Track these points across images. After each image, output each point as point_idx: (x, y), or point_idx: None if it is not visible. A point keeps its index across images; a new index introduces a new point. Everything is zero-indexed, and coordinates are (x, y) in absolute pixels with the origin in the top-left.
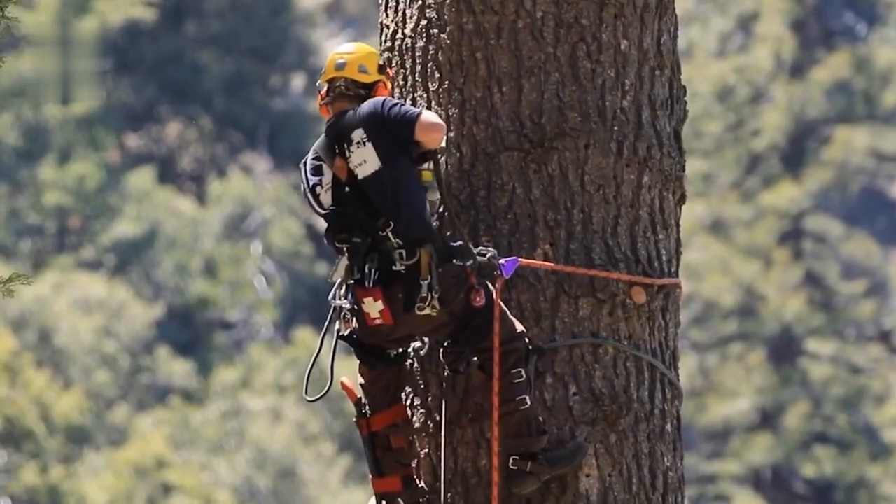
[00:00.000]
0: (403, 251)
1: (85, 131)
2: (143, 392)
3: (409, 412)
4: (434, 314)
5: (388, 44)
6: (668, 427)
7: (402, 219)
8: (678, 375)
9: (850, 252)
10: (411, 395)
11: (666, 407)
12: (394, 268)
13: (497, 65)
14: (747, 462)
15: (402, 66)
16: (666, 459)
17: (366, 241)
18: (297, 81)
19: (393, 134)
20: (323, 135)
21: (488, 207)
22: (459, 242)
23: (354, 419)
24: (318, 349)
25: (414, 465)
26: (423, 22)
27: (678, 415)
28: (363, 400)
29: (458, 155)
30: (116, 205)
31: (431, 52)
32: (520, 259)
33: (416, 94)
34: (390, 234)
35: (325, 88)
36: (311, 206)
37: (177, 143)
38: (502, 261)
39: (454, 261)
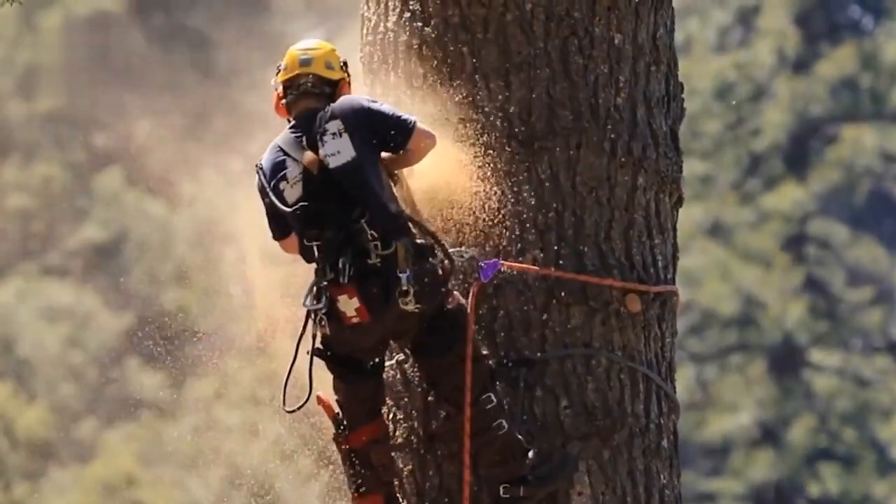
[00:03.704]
0: (378, 243)
1: (50, 130)
2: (112, 405)
3: (391, 427)
4: (412, 311)
5: (370, 37)
6: (665, 442)
7: (372, 208)
8: (675, 388)
9: (855, 258)
10: (393, 409)
11: (662, 421)
12: (368, 261)
13: (484, 60)
14: (748, 479)
15: (385, 60)
16: (662, 477)
17: (338, 236)
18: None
19: (378, 134)
20: (287, 131)
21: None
22: (431, 241)
23: (333, 436)
24: (293, 357)
25: (396, 483)
26: (407, 14)
27: (675, 429)
28: (340, 415)
29: None
30: (83, 208)
31: (415, 46)
32: (502, 262)
33: (399, 91)
34: (365, 225)
35: (284, 87)
36: (275, 205)
37: (147, 142)
38: (482, 263)
39: (430, 259)
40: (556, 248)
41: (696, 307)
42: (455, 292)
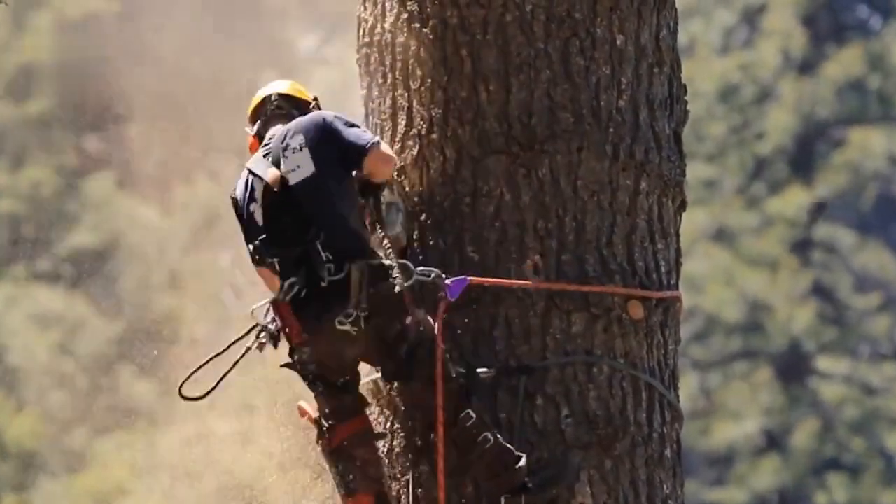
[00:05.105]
0: (332, 266)
1: (41, 133)
2: (103, 414)
3: (388, 436)
4: (353, 333)
5: (367, 39)
6: (668, 452)
7: (329, 227)
8: (678, 396)
9: (862, 263)
10: (391, 419)
11: (665, 430)
12: (321, 283)
13: (484, 62)
14: (753, 489)
15: (382, 63)
16: (665, 486)
17: (295, 253)
18: (268, 78)
19: (338, 150)
20: (259, 155)
21: (474, 215)
22: (395, 260)
23: (316, 438)
24: (235, 362)
25: (394, 493)
26: (405, 15)
27: (678, 438)
28: (321, 419)
29: (441, 159)
30: (74, 213)
31: (413, 48)
32: (469, 279)
33: (396, 94)
34: (319, 246)
35: (252, 119)
36: (250, 228)
37: (139, 146)
38: (448, 281)
39: (390, 279)
40: (556, 253)
41: (699, 313)
42: (419, 312)
